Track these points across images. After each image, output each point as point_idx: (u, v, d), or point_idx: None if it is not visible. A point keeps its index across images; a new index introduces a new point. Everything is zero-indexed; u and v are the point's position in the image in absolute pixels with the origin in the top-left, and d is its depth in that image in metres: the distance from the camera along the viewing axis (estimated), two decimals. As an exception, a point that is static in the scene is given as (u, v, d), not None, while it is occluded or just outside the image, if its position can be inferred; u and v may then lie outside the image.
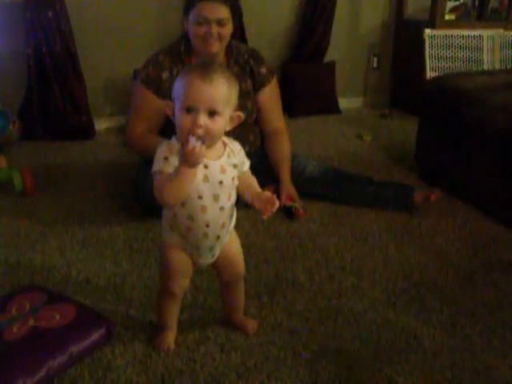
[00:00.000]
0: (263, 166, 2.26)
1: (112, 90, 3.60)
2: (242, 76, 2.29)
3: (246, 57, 2.35)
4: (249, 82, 2.35)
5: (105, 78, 3.57)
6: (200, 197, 1.29)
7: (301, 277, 1.89)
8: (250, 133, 2.39)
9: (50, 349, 1.41)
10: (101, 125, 3.57)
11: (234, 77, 1.29)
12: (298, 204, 2.32)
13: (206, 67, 1.24)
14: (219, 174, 1.30)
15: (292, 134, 2.52)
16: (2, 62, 3.26)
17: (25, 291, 1.66)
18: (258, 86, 2.38)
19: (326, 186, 2.46)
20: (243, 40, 3.56)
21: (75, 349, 1.43)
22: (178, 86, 1.25)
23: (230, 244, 1.45)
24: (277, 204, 1.30)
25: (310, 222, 2.31)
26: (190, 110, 1.21)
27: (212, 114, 1.22)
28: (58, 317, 1.51)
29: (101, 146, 3.30)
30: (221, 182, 1.30)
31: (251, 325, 1.60)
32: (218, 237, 1.38)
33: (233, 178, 1.33)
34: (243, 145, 1.42)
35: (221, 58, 2.27)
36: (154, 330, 1.55)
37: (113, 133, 3.54)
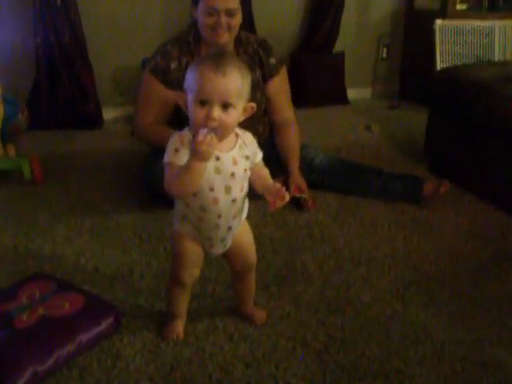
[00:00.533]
0: (272, 157, 2.24)
1: (120, 79, 3.59)
2: (251, 66, 2.27)
3: (255, 47, 2.34)
4: (258, 72, 2.33)
5: (113, 67, 3.56)
6: (211, 189, 1.28)
7: (309, 267, 1.89)
8: (259, 123, 2.38)
9: (59, 337, 1.42)
10: (109, 114, 3.57)
11: (246, 67, 1.28)
12: (306, 195, 2.32)
13: (218, 59, 1.22)
14: (231, 165, 1.29)
15: (300, 124, 2.51)
16: (11, 51, 3.26)
17: (34, 279, 1.67)
18: (268, 76, 2.36)
19: (334, 176, 2.46)
20: (252, 30, 3.54)
21: (84, 338, 1.44)
22: (190, 78, 1.24)
23: (242, 234, 1.45)
24: (287, 198, 1.28)
25: (319, 212, 2.30)
26: (203, 102, 1.20)
27: (226, 106, 1.21)
28: (67, 305, 1.52)
29: (109, 135, 3.31)
30: (232, 174, 1.29)
31: (259, 315, 1.59)
32: (230, 228, 1.38)
33: (245, 170, 1.32)
34: (252, 136, 1.41)
35: (230, 48, 2.26)
36: (163, 319, 1.56)
37: (121, 122, 3.54)
